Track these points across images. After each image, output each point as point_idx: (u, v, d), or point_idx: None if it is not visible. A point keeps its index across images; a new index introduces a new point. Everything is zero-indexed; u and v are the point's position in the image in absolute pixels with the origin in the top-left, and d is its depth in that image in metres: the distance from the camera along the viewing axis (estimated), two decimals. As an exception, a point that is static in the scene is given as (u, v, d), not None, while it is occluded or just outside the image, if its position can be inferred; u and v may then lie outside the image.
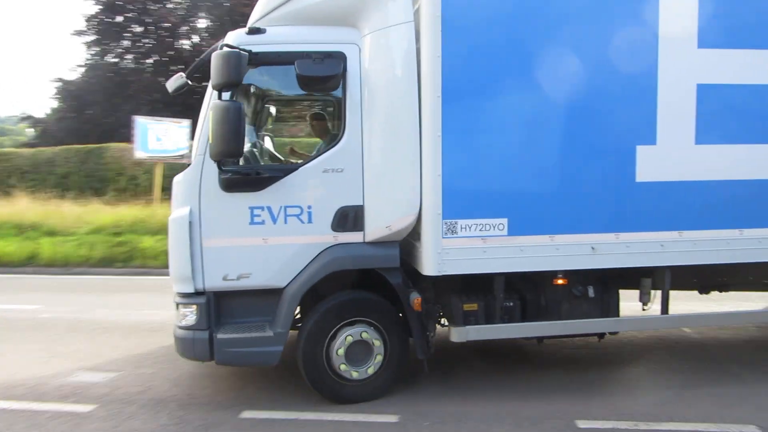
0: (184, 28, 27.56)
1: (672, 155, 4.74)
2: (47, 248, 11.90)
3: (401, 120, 4.61)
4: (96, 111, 26.73)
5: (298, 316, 5.06)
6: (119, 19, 26.94)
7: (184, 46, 27.48)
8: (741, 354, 6.00)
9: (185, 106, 22.80)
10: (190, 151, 14.70)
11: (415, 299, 4.72)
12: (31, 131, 32.99)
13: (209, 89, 4.71)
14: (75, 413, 4.78)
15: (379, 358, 4.82)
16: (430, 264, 4.60)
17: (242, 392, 5.17)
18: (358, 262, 4.78)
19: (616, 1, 4.66)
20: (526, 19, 4.58)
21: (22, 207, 14.92)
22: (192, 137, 14.88)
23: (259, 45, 4.58)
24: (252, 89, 5.16)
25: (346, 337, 4.74)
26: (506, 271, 4.73)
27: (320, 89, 4.90)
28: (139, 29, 27.10)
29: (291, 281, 4.74)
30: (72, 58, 73.21)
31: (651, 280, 5.18)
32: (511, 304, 4.90)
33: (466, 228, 4.60)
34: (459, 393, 5.04)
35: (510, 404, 4.80)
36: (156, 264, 11.16)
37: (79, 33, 27.69)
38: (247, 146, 4.76)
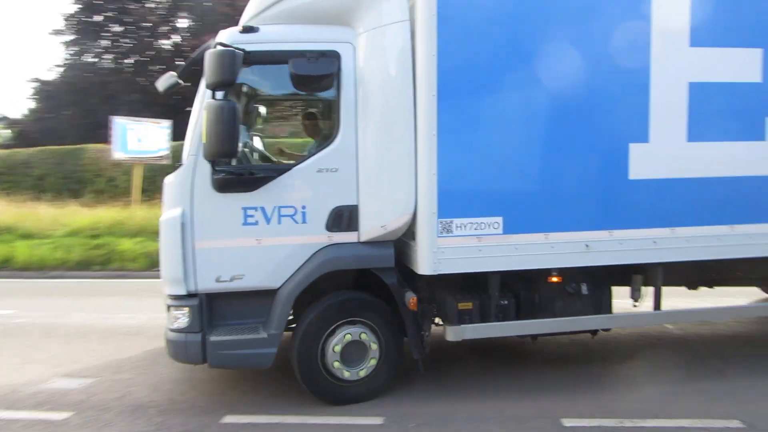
0: (165, 28, 27.27)
1: (664, 153, 4.79)
2: (22, 251, 11.61)
3: (396, 119, 4.58)
4: (74, 111, 26.34)
5: (290, 317, 5.02)
6: (98, 18, 26.57)
7: (164, 46, 27.20)
8: (723, 349, 6.06)
9: (165, 106, 22.56)
10: (173, 152, 14.79)
11: (411, 299, 4.71)
12: (7, 132, 32.41)
13: (202, 88, 4.65)
14: (50, 421, 4.66)
15: (374, 358, 4.79)
16: (425, 263, 4.59)
17: (224, 397, 5.08)
18: (353, 262, 4.75)
19: (610, 0, 4.69)
20: (522, 19, 4.59)
21: (-3, 209, 14.62)
22: (172, 138, 14.93)
23: (252, 44, 4.53)
24: (244, 88, 5.10)
25: (342, 336, 4.70)
26: (501, 270, 4.73)
27: (314, 88, 4.87)
28: (118, 29, 26.77)
29: (285, 282, 4.70)
30: (49, 57, 71.85)
31: (642, 276, 5.23)
32: (506, 302, 4.91)
33: (461, 227, 4.59)
34: (445, 393, 5.02)
35: (496, 403, 4.78)
36: (135, 267, 11.03)
37: (57, 32, 27.32)
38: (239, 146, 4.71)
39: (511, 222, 4.65)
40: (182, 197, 4.61)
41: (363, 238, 4.73)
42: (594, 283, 5.07)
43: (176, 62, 26.14)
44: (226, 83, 4.28)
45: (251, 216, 4.63)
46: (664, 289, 5.19)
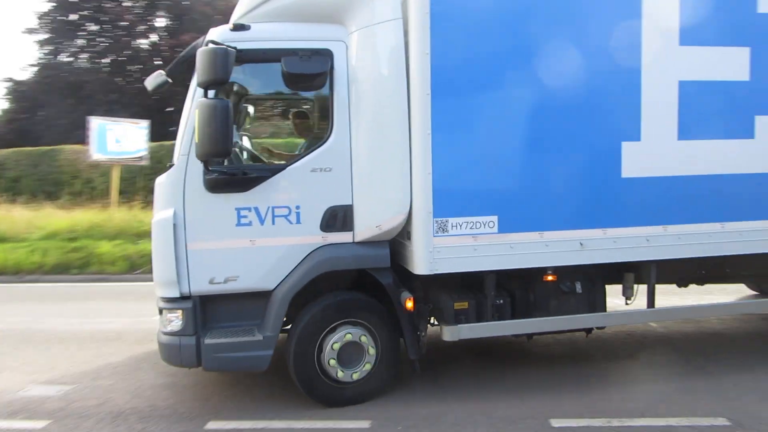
0: (142, 27, 26.92)
1: (656, 151, 4.82)
2: (-4, 255, 11.35)
3: (390, 118, 4.56)
4: (49, 112, 25.88)
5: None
6: (73, 17, 26.16)
7: (141, 45, 26.85)
8: (705, 347, 6.11)
9: (143, 106, 22.31)
10: (151, 153, 14.58)
11: (407, 299, 4.69)
12: (-21, 134, 31.75)
13: (192, 87, 4.58)
14: (26, 430, 4.55)
15: (371, 359, 4.76)
16: (421, 263, 4.57)
17: (207, 402, 4.99)
18: (349, 262, 4.71)
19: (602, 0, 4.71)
20: (515, 17, 4.59)
21: (-30, 213, 14.29)
22: (151, 139, 14.73)
23: (244, 42, 4.46)
24: (235, 87, 5.03)
25: (338, 338, 4.67)
26: (497, 269, 4.73)
27: (307, 87, 4.82)
28: (94, 27, 26.37)
29: (280, 283, 4.65)
30: (23, 57, 70.51)
31: (633, 274, 5.27)
32: (502, 301, 4.91)
33: (456, 226, 4.58)
34: (432, 395, 4.98)
35: (484, 405, 4.76)
36: (114, 270, 10.86)
37: (31, 31, 26.84)
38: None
39: (506, 221, 4.64)
40: (174, 198, 4.54)
41: (358, 239, 4.70)
42: (588, 282, 5.09)
43: (154, 62, 25.87)
44: (218, 82, 4.22)
45: (245, 216, 4.58)
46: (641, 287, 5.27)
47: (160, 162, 18.15)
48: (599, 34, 4.70)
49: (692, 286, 5.97)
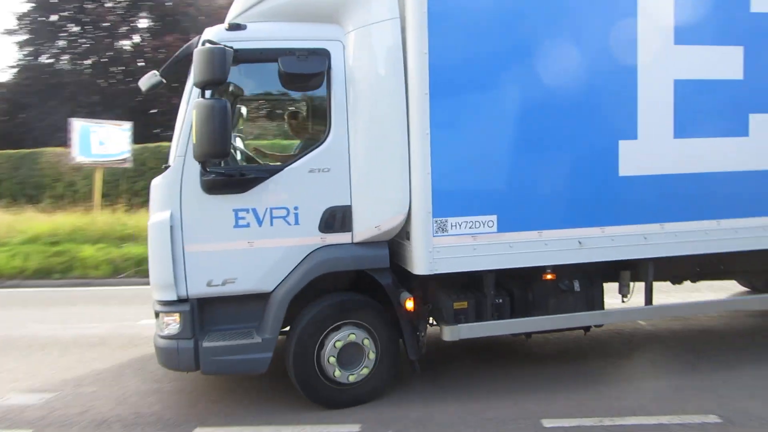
0: (124, 28, 26.63)
1: (652, 149, 4.85)
2: (-24, 260, 11.09)
3: (388, 118, 4.54)
4: (30, 114, 25.48)
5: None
6: (54, 18, 25.81)
7: (124, 47, 26.56)
8: (695, 344, 6.15)
9: (126, 108, 22.10)
10: (135, 155, 14.42)
11: (407, 299, 4.67)
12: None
13: (188, 88, 4.53)
14: None
15: (372, 360, 4.73)
16: (421, 263, 4.55)
17: (194, 408, 4.91)
18: (348, 263, 4.69)
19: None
20: (513, 16, 4.59)
21: (-52, 216, 13.96)
22: (134, 141, 14.56)
23: (240, 42, 4.41)
24: (231, 88, 4.98)
25: (338, 339, 4.63)
26: (496, 268, 4.73)
27: (304, 87, 4.78)
28: (75, 29, 26.03)
29: (278, 285, 4.61)
30: (2, 58, 69.48)
31: (629, 272, 5.29)
32: (501, 300, 4.90)
33: (456, 226, 4.57)
34: (422, 397, 4.94)
35: (475, 405, 4.74)
36: (97, 274, 10.67)
37: (10, 32, 26.41)
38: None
39: (506, 220, 4.64)
40: (171, 200, 4.48)
41: (357, 239, 4.67)
42: (586, 280, 5.10)
43: (137, 63, 25.63)
44: (216, 82, 4.16)
45: (242, 218, 4.53)
46: (636, 285, 5.31)
47: (143, 164, 18.05)
48: (596, 33, 4.71)
49: (676, 285, 6.01)
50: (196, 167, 4.40)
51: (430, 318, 5.12)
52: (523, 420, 4.46)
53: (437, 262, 4.54)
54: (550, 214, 4.74)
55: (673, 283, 5.92)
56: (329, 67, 4.56)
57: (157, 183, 4.64)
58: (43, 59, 26.53)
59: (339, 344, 4.63)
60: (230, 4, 4.94)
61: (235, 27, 4.52)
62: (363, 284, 4.81)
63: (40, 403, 5.02)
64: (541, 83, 4.62)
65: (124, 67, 25.74)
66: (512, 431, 4.33)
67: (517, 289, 5.01)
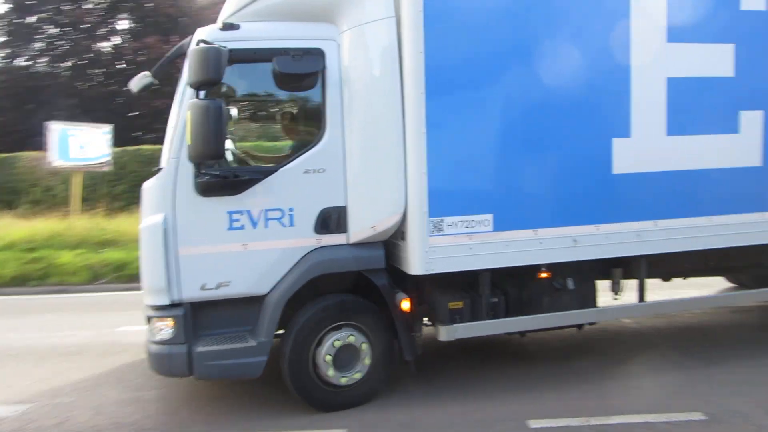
0: (103, 30, 26.26)
1: (645, 147, 4.88)
2: (-50, 268, 10.79)
3: (384, 117, 4.51)
4: (6, 118, 25.00)
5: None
6: (31, 19, 25.35)
7: (103, 49, 26.18)
8: (678, 341, 6.19)
9: (106, 111, 21.76)
10: (115, 158, 14.20)
11: (402, 300, 4.65)
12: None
13: (181, 88, 4.47)
14: None
15: (367, 361, 4.70)
16: (417, 263, 4.53)
17: (174, 417, 4.82)
18: (344, 264, 4.65)
19: None
20: (508, 15, 4.59)
21: None
22: (114, 144, 14.36)
23: (234, 41, 4.36)
24: (224, 88, 4.92)
25: (334, 341, 4.60)
26: (492, 267, 4.72)
27: (299, 87, 4.72)
28: (53, 30, 25.62)
29: (273, 288, 4.57)
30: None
31: (621, 270, 5.31)
32: (496, 300, 4.90)
33: (452, 225, 4.55)
34: (408, 399, 4.90)
35: (461, 407, 4.72)
36: (76, 281, 10.42)
37: (-14, 35, 25.92)
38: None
39: (501, 219, 4.64)
40: (163, 202, 4.41)
41: (352, 240, 4.64)
42: (580, 278, 5.12)
43: (116, 65, 25.29)
44: (211, 82, 4.12)
45: (237, 220, 4.48)
46: (625, 282, 5.34)
47: (123, 168, 17.80)
48: (590, 32, 4.75)
49: (666, 282, 6.06)
50: (189, 169, 4.35)
51: (425, 318, 5.10)
52: (510, 421, 4.45)
53: (433, 261, 4.52)
54: (545, 212, 4.75)
55: (664, 279, 5.96)
56: (324, 67, 4.53)
57: (149, 186, 4.57)
58: (20, 62, 26.06)
59: (338, 343, 4.60)
60: (212, 4, 4.89)
61: (228, 27, 4.47)
62: (359, 285, 4.78)
63: (16, 415, 4.88)
64: (536, 82, 4.63)
65: (104, 70, 25.37)
66: (499, 433, 4.32)
67: (512, 288, 5.00)
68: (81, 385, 5.48)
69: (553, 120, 4.70)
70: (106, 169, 14.32)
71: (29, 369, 6.01)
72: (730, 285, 7.51)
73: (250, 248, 4.51)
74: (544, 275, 5.00)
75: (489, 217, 4.62)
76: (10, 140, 22.85)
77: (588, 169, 4.81)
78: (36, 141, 17.48)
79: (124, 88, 23.10)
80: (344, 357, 4.64)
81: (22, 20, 25.20)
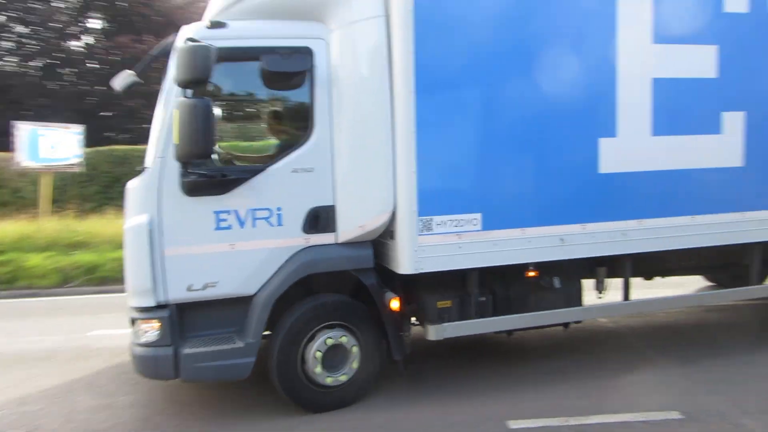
0: (75, 29, 25.78)
1: (631, 147, 4.94)
2: None
3: (373, 116, 4.49)
4: (-27, 118, 24.47)
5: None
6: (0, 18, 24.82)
7: (74, 48, 25.69)
8: (654, 340, 6.26)
9: (77, 111, 21.33)
10: (86, 159, 13.91)
11: (391, 299, 4.63)
12: None
13: (166, 87, 4.39)
14: None
15: (356, 362, 4.67)
16: (406, 262, 4.52)
17: (148, 422, 4.71)
18: (332, 264, 4.62)
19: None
20: (497, 15, 4.61)
21: None
22: (86, 144, 14.08)
23: (221, 40, 4.29)
24: (210, 87, 4.84)
25: (322, 341, 4.57)
26: (481, 266, 4.72)
27: (287, 86, 4.66)
28: (23, 29, 25.08)
29: (261, 288, 4.52)
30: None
31: (605, 269, 5.36)
32: (484, 299, 4.91)
33: (441, 224, 4.55)
34: (386, 401, 4.87)
35: (440, 409, 4.71)
36: (45, 284, 10.15)
37: (-48, 33, 25.25)
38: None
39: (490, 218, 4.65)
40: (149, 202, 4.33)
41: (341, 239, 4.61)
42: (566, 277, 5.15)
43: (87, 64, 24.84)
44: (199, 80, 4.05)
45: (224, 220, 4.42)
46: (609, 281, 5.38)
47: (95, 168, 17.46)
48: (577, 33, 4.78)
49: (648, 280, 6.11)
50: (175, 168, 4.27)
51: (413, 317, 5.08)
52: (489, 421, 4.45)
53: (422, 261, 4.51)
54: (533, 211, 4.78)
55: (645, 278, 6.03)
56: (312, 66, 4.50)
57: (133, 186, 4.49)
58: (-12, 61, 25.48)
59: (330, 341, 4.57)
60: (186, 4, 4.82)
61: (216, 25, 4.41)
62: (345, 285, 4.75)
63: None
64: (524, 82, 4.66)
65: (76, 69, 24.91)
66: (478, 434, 4.30)
67: (500, 287, 5.02)
68: (50, 392, 5.31)
69: (541, 120, 4.73)
70: (77, 169, 14.02)
71: (-5, 375, 5.81)
72: (707, 284, 7.63)
73: (237, 248, 4.45)
74: (531, 274, 5.02)
75: (478, 216, 4.62)
76: (-23, 141, 22.29)
77: (575, 168, 4.85)
78: (4, 141, 17.08)
79: (96, 88, 23.00)
80: (333, 357, 4.61)
81: (-11, 19, 24.65)
